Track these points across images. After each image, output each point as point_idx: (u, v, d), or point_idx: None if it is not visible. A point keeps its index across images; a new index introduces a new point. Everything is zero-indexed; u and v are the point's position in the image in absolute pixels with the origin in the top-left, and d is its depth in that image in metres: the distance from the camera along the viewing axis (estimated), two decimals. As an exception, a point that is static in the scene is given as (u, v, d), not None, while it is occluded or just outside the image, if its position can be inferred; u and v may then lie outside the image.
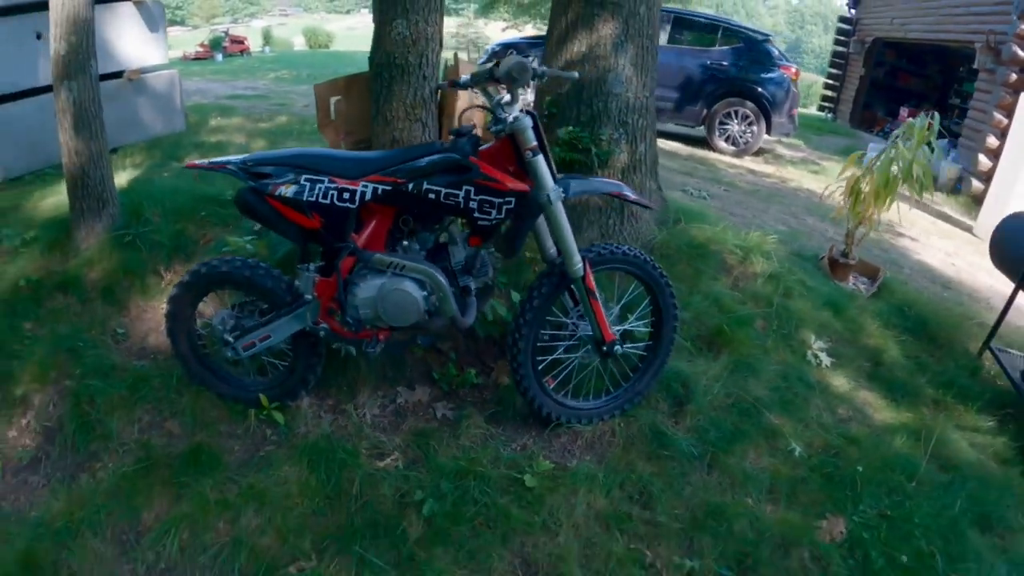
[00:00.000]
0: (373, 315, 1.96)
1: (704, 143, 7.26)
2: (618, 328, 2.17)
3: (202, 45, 18.34)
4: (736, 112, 6.81)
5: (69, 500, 2.00)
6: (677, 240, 3.13)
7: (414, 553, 1.79)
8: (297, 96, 8.11)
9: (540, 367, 2.15)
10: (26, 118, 3.88)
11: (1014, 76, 6.62)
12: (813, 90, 17.97)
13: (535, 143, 1.79)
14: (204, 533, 1.90)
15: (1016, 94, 6.21)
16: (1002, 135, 6.26)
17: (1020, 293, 2.99)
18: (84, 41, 2.68)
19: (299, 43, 25.86)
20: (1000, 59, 6.79)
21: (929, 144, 3.19)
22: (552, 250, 1.99)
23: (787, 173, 6.74)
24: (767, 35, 7.04)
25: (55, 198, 3.39)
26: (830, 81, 12.64)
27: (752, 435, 2.30)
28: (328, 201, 1.86)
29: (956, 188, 7.07)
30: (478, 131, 1.90)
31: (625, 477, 2.07)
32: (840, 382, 2.75)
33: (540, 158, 1.81)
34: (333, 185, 1.86)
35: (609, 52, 2.78)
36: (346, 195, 1.86)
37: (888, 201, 3.29)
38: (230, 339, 2.14)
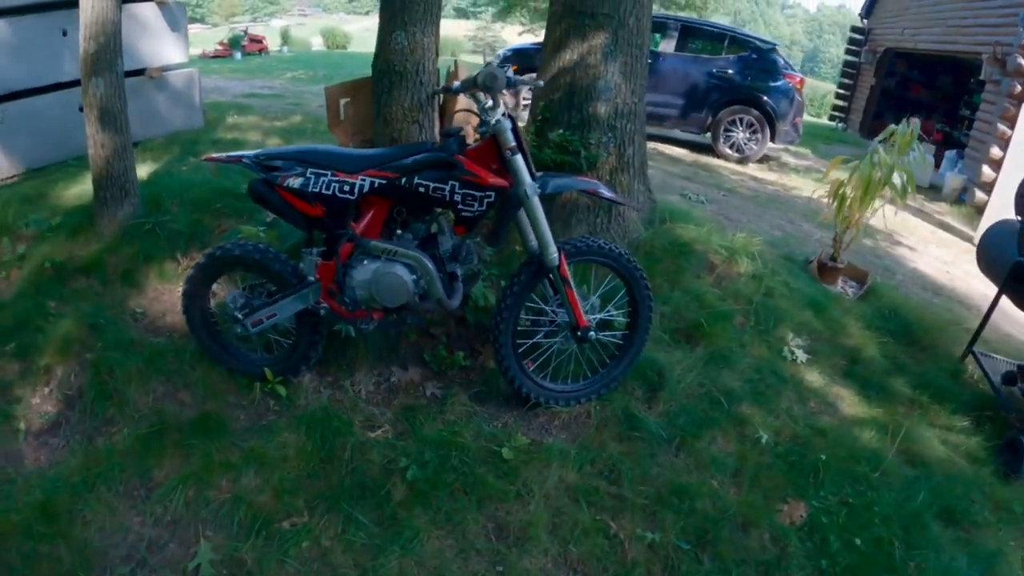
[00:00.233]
0: (368, 296, 2.16)
1: (709, 150, 7.38)
2: (594, 317, 2.33)
3: (221, 43, 18.68)
4: (741, 120, 6.93)
5: (86, 459, 2.20)
6: (662, 239, 3.28)
7: (396, 513, 1.97)
8: (312, 96, 8.36)
9: (521, 350, 2.32)
10: (50, 111, 4.12)
11: (1019, 87, 6.67)
12: (827, 100, 17.94)
13: (514, 143, 1.98)
14: (208, 490, 2.09)
15: (1020, 105, 6.27)
16: (1005, 146, 6.31)
17: (1004, 297, 3.08)
18: (111, 41, 2.91)
19: (317, 43, 26.29)
20: (1005, 70, 6.84)
21: (913, 149, 3.29)
22: (533, 242, 2.16)
23: (790, 181, 6.84)
24: (773, 44, 7.15)
25: (78, 188, 3.62)
26: (841, 91, 12.66)
27: (721, 422, 2.44)
28: (330, 192, 2.06)
29: (960, 198, 7.12)
30: (469, 132, 2.08)
31: (596, 455, 2.22)
32: (814, 377, 2.88)
33: (518, 157, 1.99)
34: (335, 178, 2.06)
35: (599, 60, 2.95)
36: (346, 187, 2.05)
37: (871, 205, 3.40)
38: (240, 316, 2.34)
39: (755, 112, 6.82)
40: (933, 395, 2.90)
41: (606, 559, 1.92)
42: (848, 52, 12.69)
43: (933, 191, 7.75)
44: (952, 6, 8.72)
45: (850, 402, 2.80)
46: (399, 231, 2.16)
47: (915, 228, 5.87)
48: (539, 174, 2.12)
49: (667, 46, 7.17)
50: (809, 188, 6.63)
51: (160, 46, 4.85)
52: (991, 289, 3.10)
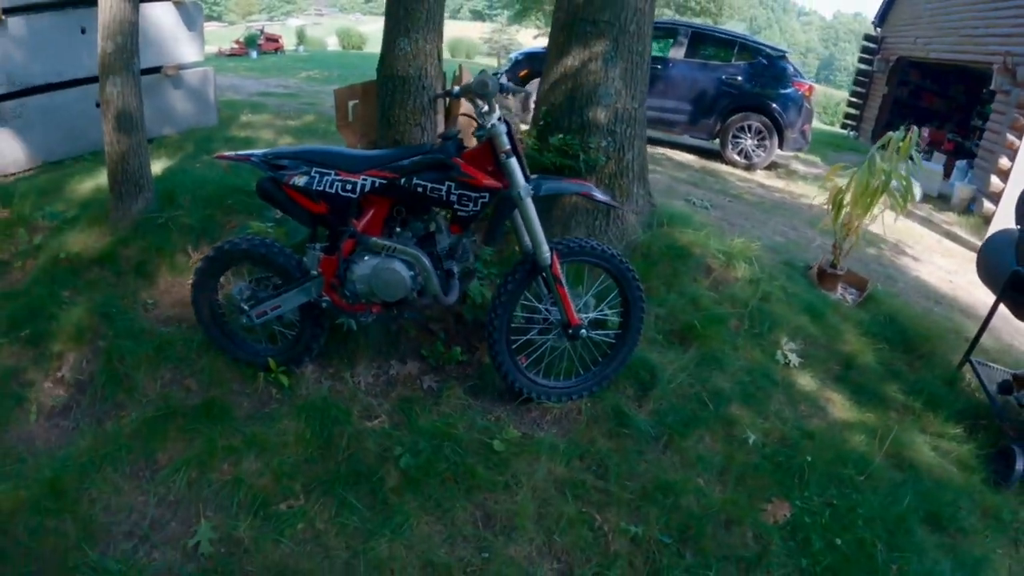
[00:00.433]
0: (368, 290, 2.24)
1: (718, 156, 7.41)
2: (586, 316, 2.39)
3: (237, 42, 18.92)
4: (749, 126, 6.96)
5: (95, 440, 2.30)
6: (660, 242, 3.33)
7: (388, 499, 2.04)
8: (326, 96, 8.50)
9: (514, 346, 2.38)
10: (69, 106, 4.26)
11: (1030, 98, 6.64)
12: (841, 108, 17.86)
13: (508, 147, 2.05)
14: (210, 472, 2.18)
15: (1030, 116, 6.24)
16: (1014, 156, 6.28)
17: (1001, 306, 3.09)
18: (128, 41, 3.02)
19: (332, 43, 26.55)
20: (1015, 80, 6.81)
21: (911, 157, 3.32)
22: (527, 242, 2.23)
23: (797, 188, 6.85)
24: (783, 52, 7.18)
25: (93, 182, 3.75)
26: (854, 99, 12.61)
27: (710, 422, 2.49)
28: (333, 191, 2.15)
29: (969, 208, 7.09)
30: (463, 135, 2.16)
31: (585, 450, 2.28)
32: (806, 381, 2.91)
33: (513, 160, 2.07)
34: (338, 177, 2.15)
35: (600, 66, 3.01)
36: (348, 186, 2.15)
37: (869, 212, 3.42)
38: (246, 308, 2.44)
39: (764, 119, 6.84)
40: (927, 402, 2.92)
41: (589, 550, 1.98)
42: (861, 60, 12.64)
43: (942, 201, 7.72)
44: (964, 15, 8.69)
45: (841, 406, 2.83)
46: (399, 229, 2.24)
47: (921, 237, 5.86)
48: (533, 176, 2.19)
49: (677, 52, 7.22)
50: (816, 195, 6.65)
51: (176, 45, 4.99)
52: (992, 299, 3.12)
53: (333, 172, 2.16)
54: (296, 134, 5.75)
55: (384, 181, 2.13)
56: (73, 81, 4.28)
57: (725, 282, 3.38)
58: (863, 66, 12.39)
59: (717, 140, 7.28)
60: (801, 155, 8.25)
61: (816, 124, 17.97)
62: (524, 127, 3.58)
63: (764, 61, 6.99)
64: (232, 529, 2.01)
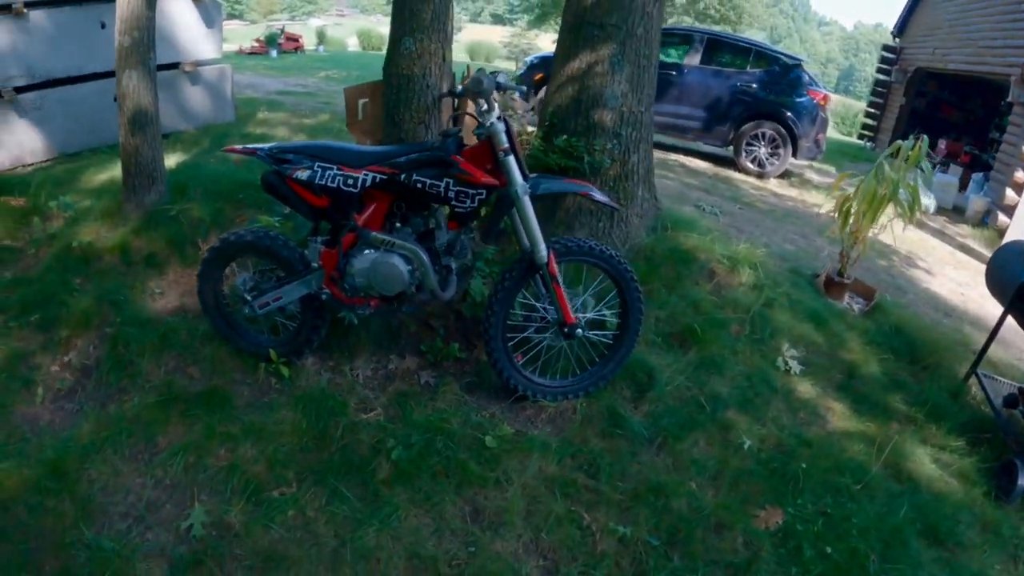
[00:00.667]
0: (366, 284, 2.27)
1: (732, 164, 7.37)
2: (583, 315, 2.40)
3: (258, 40, 19.05)
4: (763, 134, 6.91)
5: (97, 423, 2.36)
6: (663, 245, 3.32)
7: (379, 490, 2.06)
8: (343, 95, 8.58)
9: (510, 344, 2.40)
10: (87, 100, 4.37)
11: (1048, 110, 6.51)
12: (860, 118, 17.67)
13: (507, 145, 2.07)
14: (207, 458, 2.22)
15: (1048, 128, 6.12)
16: (1031, 170, 6.17)
17: (1009, 318, 3.04)
18: (145, 36, 3.09)
19: (353, 44, 26.82)
20: (1035, 93, 6.69)
21: (920, 167, 3.28)
22: (526, 241, 2.24)
23: (810, 197, 6.78)
24: (799, 60, 7.12)
25: (108, 173, 3.83)
26: (871, 110, 12.46)
27: (705, 426, 2.47)
28: (335, 185, 2.18)
29: (983, 221, 6.97)
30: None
31: (578, 449, 2.28)
32: (806, 388, 2.88)
33: (511, 158, 2.08)
34: (340, 172, 2.19)
35: (606, 69, 3.02)
36: (350, 181, 2.18)
37: (876, 221, 3.38)
38: (248, 298, 2.48)
39: (778, 127, 6.79)
40: (930, 413, 2.87)
41: (576, 549, 1.98)
42: (879, 71, 12.48)
43: (957, 213, 7.60)
44: (983, 26, 8.56)
45: (841, 415, 2.79)
46: (399, 224, 2.27)
47: (933, 249, 5.77)
48: (533, 175, 2.21)
49: (692, 59, 7.20)
50: (828, 204, 6.58)
51: (195, 41, 5.09)
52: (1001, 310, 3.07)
53: (335, 167, 2.19)
54: (311, 132, 5.82)
55: (384, 176, 2.16)
56: (92, 75, 4.38)
57: (728, 287, 3.36)
58: (881, 77, 12.24)
59: (731, 148, 7.23)
60: (815, 164, 8.17)
61: (834, 134, 17.82)
62: (531, 128, 3.60)
63: (779, 69, 6.94)
64: (224, 513, 2.04)
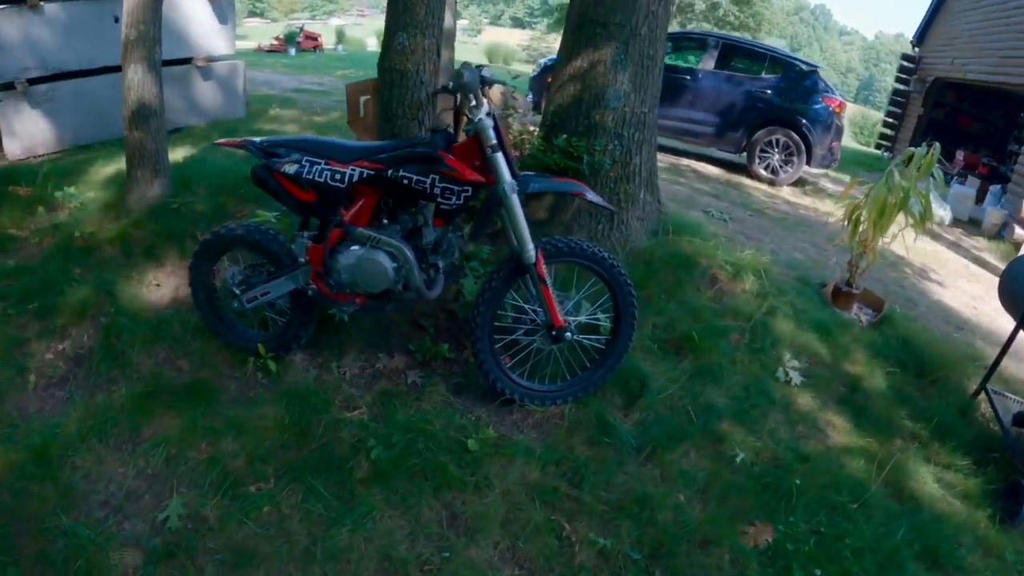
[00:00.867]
0: (352, 280, 2.24)
1: (745, 170, 7.26)
2: (574, 319, 2.34)
3: (277, 38, 19.22)
4: (777, 141, 6.79)
5: (85, 411, 2.37)
6: (663, 249, 3.25)
7: (355, 490, 2.03)
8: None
9: (498, 345, 2.35)
10: (100, 92, 4.42)
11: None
12: (879, 128, 17.41)
13: (494, 141, 2.03)
14: (188, 450, 2.21)
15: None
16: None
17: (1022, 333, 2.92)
18: (151, 29, 3.11)
19: (372, 44, 27.05)
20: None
21: (932, 175, 3.17)
22: (515, 240, 2.20)
23: (823, 205, 6.64)
24: (815, 66, 6.99)
25: (116, 166, 3.87)
26: (889, 120, 12.23)
27: (697, 437, 2.40)
28: (322, 180, 2.17)
29: (999, 234, 6.78)
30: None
31: (562, 456, 2.23)
32: (806, 401, 2.79)
33: (499, 155, 2.04)
34: (327, 167, 2.17)
35: (608, 69, 2.97)
36: (337, 176, 2.16)
37: (886, 230, 3.28)
38: (237, 292, 2.48)
39: (792, 134, 6.66)
40: (935, 430, 2.76)
41: (554, 559, 1.92)
42: (898, 80, 12.26)
43: (973, 225, 7.41)
44: (1004, 36, 8.33)
45: (842, 430, 2.70)
46: (386, 221, 2.24)
47: (947, 261, 5.61)
48: (524, 173, 2.16)
49: (707, 63, 7.11)
50: (841, 212, 6.44)
51: (208, 37, 5.14)
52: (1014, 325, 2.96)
53: (323, 161, 2.17)
54: (321, 129, 5.85)
55: (372, 172, 2.13)
56: (104, 68, 4.43)
57: (730, 294, 3.28)
58: (900, 86, 12.02)
59: (744, 154, 7.12)
60: (831, 173, 8.01)
61: (851, 144, 17.50)
62: (534, 127, 3.55)
63: (795, 75, 6.82)
64: (201, 507, 2.03)
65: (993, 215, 6.90)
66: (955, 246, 6.28)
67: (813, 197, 6.93)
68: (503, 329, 2.40)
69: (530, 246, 2.12)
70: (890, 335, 3.42)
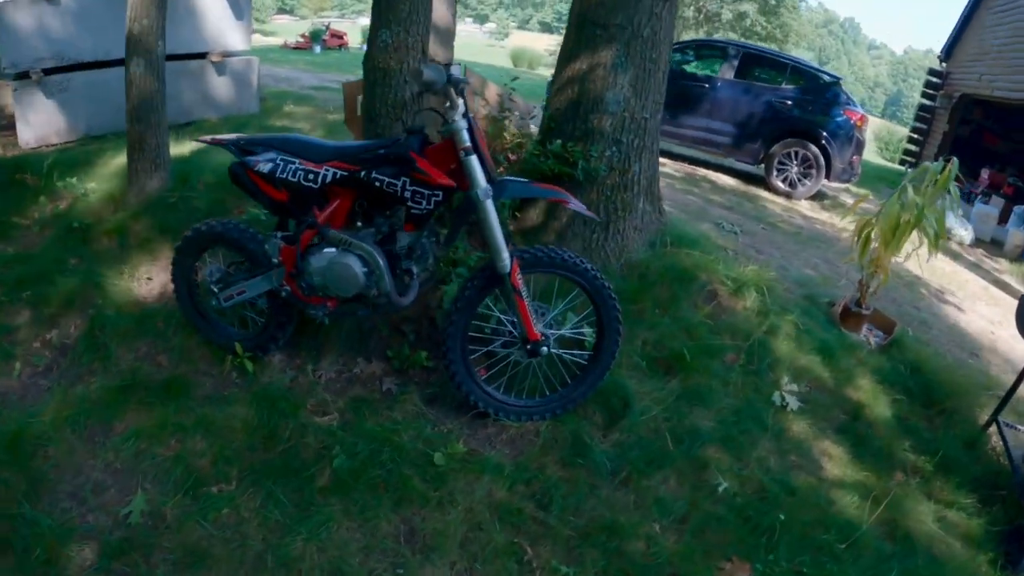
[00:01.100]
0: (323, 283, 2.20)
1: (763, 182, 7.08)
2: (552, 332, 2.26)
3: (303, 36, 19.33)
4: (796, 153, 6.60)
5: (62, 402, 2.37)
6: (661, 262, 3.14)
7: (314, 498, 1.98)
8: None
9: (474, 356, 2.27)
10: (114, 84, 4.42)
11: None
12: (903, 145, 16.94)
13: (468, 144, 1.96)
14: (157, 446, 2.19)
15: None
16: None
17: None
18: (154, 24, 3.13)
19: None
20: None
21: (948, 192, 3.01)
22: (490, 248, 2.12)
23: (841, 221, 6.44)
24: (837, 78, 6.77)
25: (123, 158, 3.90)
26: (914, 135, 11.85)
27: (678, 462, 2.29)
28: (295, 180, 2.13)
29: (1022, 256, 6.48)
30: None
31: (533, 476, 2.14)
32: (801, 428, 2.65)
33: (473, 159, 1.97)
34: (301, 166, 2.13)
35: (608, 72, 2.87)
36: (311, 176, 2.12)
37: (898, 249, 3.12)
38: (215, 289, 2.46)
39: (811, 147, 6.46)
40: (940, 464, 2.59)
41: (512, 583, 1.84)
42: (924, 95, 11.87)
43: (995, 246, 7.10)
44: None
45: (838, 461, 2.55)
46: (360, 223, 2.18)
47: (966, 283, 5.35)
48: (503, 178, 2.09)
49: (726, 72, 6.95)
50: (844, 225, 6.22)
51: (224, 33, 5.18)
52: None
53: (297, 161, 2.13)
54: (332, 128, 5.84)
55: (345, 173, 2.08)
56: (119, 60, 4.47)
57: (729, 311, 3.15)
58: (926, 101, 11.63)
59: (762, 166, 6.94)
60: (852, 188, 7.76)
61: (876, 159, 16.96)
62: (534, 129, 3.48)
63: (816, 87, 6.62)
64: (162, 504, 2.01)
65: (1016, 236, 6.60)
66: (976, 267, 6.01)
67: (831, 212, 6.70)
68: (481, 340, 2.33)
69: (504, 255, 2.04)
70: (899, 360, 3.24)
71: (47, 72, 4.18)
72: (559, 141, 2.94)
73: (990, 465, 2.70)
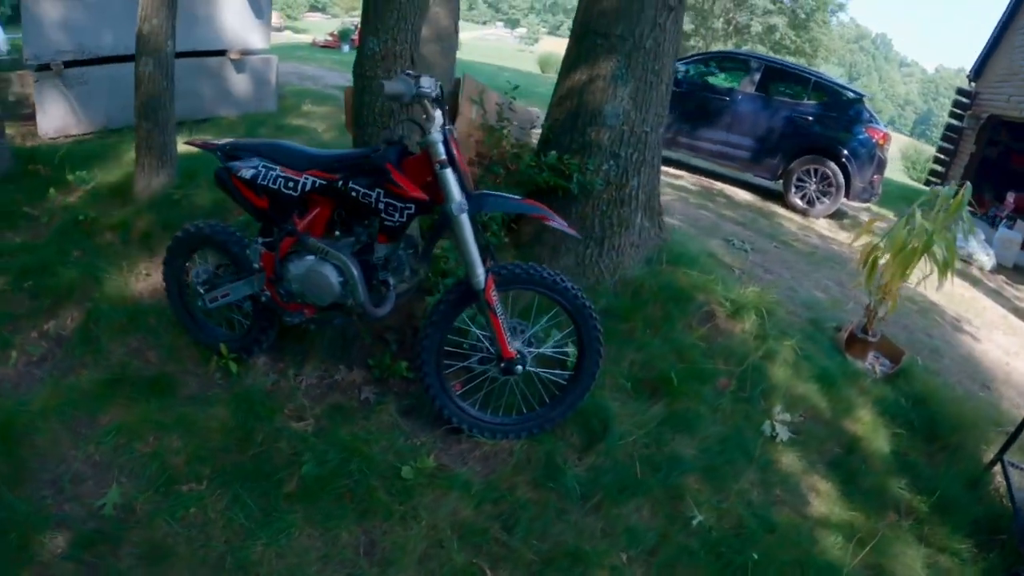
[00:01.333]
0: (300, 290, 2.20)
1: (781, 199, 6.93)
2: (529, 350, 2.22)
3: (331, 34, 19.40)
4: (815, 171, 6.44)
5: (52, 392, 2.41)
6: (655, 280, 3.07)
7: (279, 504, 1.98)
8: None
9: (450, 371, 2.25)
10: (132, 79, 4.55)
11: None
12: (930, 165, 16.46)
13: (443, 157, 1.94)
14: (136, 442, 2.22)
15: None
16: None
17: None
18: (164, 24, 3.19)
19: (427, 46, 27.36)
20: None
21: (962, 218, 2.89)
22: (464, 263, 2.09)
23: (853, 243, 6.25)
24: (860, 94, 6.58)
25: (133, 153, 3.98)
26: (940, 156, 11.48)
27: (653, 491, 2.22)
28: (276, 187, 2.14)
29: (1045, 283, 6.19)
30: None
31: (501, 496, 2.09)
32: (790, 461, 2.56)
33: (448, 172, 1.94)
34: (282, 174, 2.14)
35: (607, 84, 2.83)
36: (290, 184, 2.13)
37: (906, 276, 3.01)
38: (201, 291, 2.48)
39: (831, 164, 6.29)
40: (937, 505, 2.48)
41: (467, 606, 1.81)
42: (952, 115, 11.47)
43: (1018, 272, 6.82)
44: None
45: (826, 497, 2.46)
46: (339, 233, 2.19)
47: (984, 310, 5.14)
48: (482, 192, 2.07)
49: (747, 85, 6.82)
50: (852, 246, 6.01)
51: (244, 31, 5.27)
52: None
53: (279, 168, 2.14)
54: (345, 130, 5.89)
55: (324, 182, 2.08)
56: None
57: (725, 334, 3.07)
58: (953, 121, 11.25)
59: (781, 182, 6.79)
60: (874, 207, 7.54)
61: (902, 178, 16.45)
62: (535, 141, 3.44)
63: (839, 103, 6.45)
64: (134, 499, 2.03)
65: (1039, 262, 6.32)
66: (995, 294, 5.77)
67: (850, 232, 6.51)
68: (460, 355, 2.30)
69: (479, 271, 2.01)
70: (905, 390, 3.12)
71: (67, 65, 4.29)
72: (555, 153, 2.91)
73: (992, 507, 2.57)
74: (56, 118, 4.34)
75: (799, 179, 6.53)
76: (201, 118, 5.14)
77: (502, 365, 2.16)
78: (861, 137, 6.19)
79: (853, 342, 3.40)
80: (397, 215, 2.00)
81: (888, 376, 3.24)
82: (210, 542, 1.89)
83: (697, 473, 2.34)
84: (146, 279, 3.12)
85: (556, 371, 2.37)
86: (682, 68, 7.25)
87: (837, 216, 6.81)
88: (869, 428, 2.83)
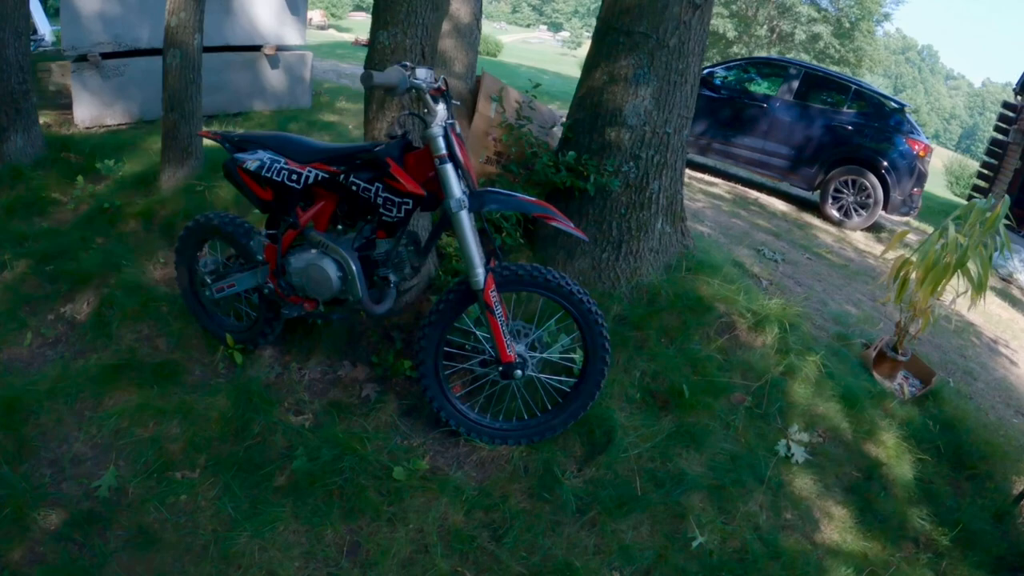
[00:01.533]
0: (301, 284, 2.18)
1: (817, 209, 6.68)
2: (532, 355, 2.15)
3: None
4: (853, 182, 6.18)
5: (61, 373, 2.46)
6: (673, 287, 2.95)
7: (268, 497, 1.96)
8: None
9: (451, 372, 2.19)
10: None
11: None
12: (974, 181, 15.65)
13: (443, 152, 1.88)
14: (136, 427, 2.24)
15: None
16: None
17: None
18: (192, 18, 3.23)
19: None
20: None
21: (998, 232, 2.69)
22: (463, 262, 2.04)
23: (883, 255, 5.96)
24: (902, 105, 6.28)
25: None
26: (984, 171, 10.90)
27: (654, 508, 2.11)
28: (280, 179, 2.13)
29: (1091, 302, 5.76)
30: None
31: (494, 503, 2.03)
32: (804, 484, 2.42)
33: (448, 167, 1.89)
34: (286, 166, 2.13)
35: (629, 83, 2.73)
36: (294, 176, 2.11)
37: (937, 293, 2.82)
38: (208, 281, 2.49)
39: (870, 176, 6.02)
40: (959, 538, 2.30)
41: (449, 616, 1.74)
42: (996, 129, 10.87)
43: None
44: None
45: (840, 524, 2.31)
46: (341, 227, 2.16)
47: (1023, 332, 4.83)
48: (487, 190, 2.01)
49: (785, 92, 6.60)
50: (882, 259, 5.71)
51: (279, 27, 5.34)
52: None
53: (283, 160, 2.13)
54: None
55: (326, 175, 2.06)
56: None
57: (745, 347, 2.92)
58: (998, 136, 10.66)
59: (818, 192, 6.54)
60: (913, 222, 7.19)
61: (945, 193, 15.70)
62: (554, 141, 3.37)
63: (879, 113, 6.17)
64: (129, 483, 2.04)
65: (1085, 280, 5.90)
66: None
67: (887, 245, 6.23)
68: (462, 356, 2.24)
69: (478, 271, 1.95)
70: (933, 414, 2.92)
71: (105, 56, 4.41)
72: (572, 153, 2.83)
73: (1018, 544, 2.37)
74: (92, 108, 4.47)
75: (836, 190, 6.27)
76: (235, 112, 5.23)
77: (500, 369, 2.09)
78: (902, 148, 5.90)
79: (882, 360, 3.21)
80: (395, 210, 1.96)
81: (916, 398, 3.04)
82: (197, 530, 1.89)
83: (703, 491, 2.23)
84: (161, 268, 3.16)
85: (562, 377, 2.29)
86: (721, 74, 7.06)
87: (874, 229, 6.52)
88: (892, 452, 2.65)
